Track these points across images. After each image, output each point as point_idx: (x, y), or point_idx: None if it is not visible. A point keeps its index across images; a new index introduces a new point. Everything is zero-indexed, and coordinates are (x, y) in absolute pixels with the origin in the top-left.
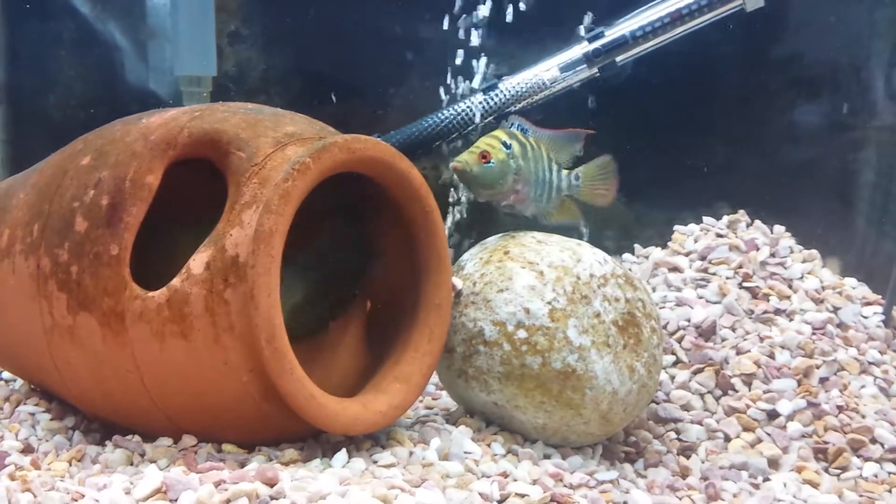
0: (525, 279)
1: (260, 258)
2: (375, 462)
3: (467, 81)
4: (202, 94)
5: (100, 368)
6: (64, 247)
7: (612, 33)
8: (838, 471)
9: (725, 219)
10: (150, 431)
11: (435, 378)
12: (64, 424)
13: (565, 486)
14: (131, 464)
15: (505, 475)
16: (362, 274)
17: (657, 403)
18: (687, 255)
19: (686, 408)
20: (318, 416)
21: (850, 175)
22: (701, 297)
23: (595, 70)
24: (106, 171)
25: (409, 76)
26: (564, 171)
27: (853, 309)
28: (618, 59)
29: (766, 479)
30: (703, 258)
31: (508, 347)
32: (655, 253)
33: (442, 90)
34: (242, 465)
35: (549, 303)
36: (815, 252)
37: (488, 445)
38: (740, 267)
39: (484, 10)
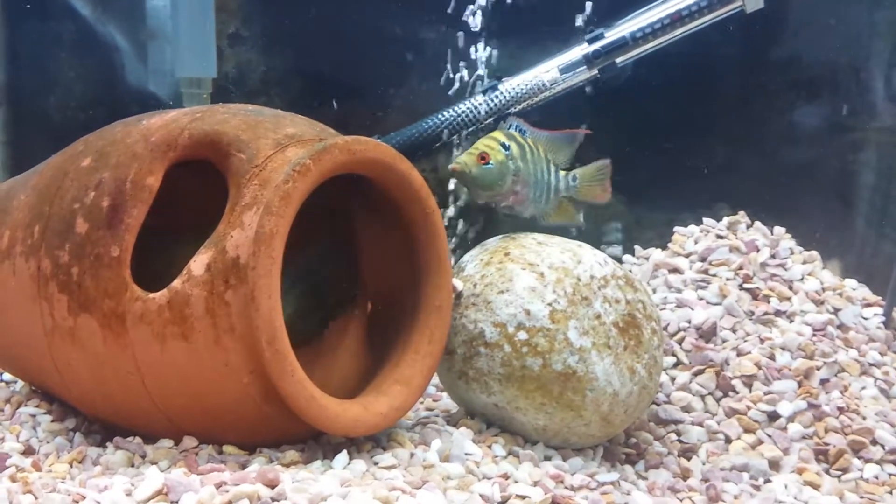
0: (525, 281)
1: (261, 260)
2: (376, 463)
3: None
4: (202, 95)
5: (101, 370)
6: (65, 248)
7: (612, 35)
8: (839, 472)
9: (725, 220)
10: (150, 433)
11: (435, 380)
12: (65, 426)
13: (566, 487)
14: (132, 465)
15: (506, 477)
16: (358, 277)
17: (658, 405)
18: (687, 256)
19: (687, 409)
20: (318, 417)
21: (850, 176)
22: (701, 299)
23: (595, 71)
24: (106, 173)
25: (409, 77)
26: (562, 173)
27: (853, 310)
28: (618, 60)
29: (767, 481)
30: (703, 259)
31: (509, 349)
32: (656, 254)
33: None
34: (243, 467)
35: (549, 304)
36: (815, 253)
37: (489, 447)
38: (740, 268)
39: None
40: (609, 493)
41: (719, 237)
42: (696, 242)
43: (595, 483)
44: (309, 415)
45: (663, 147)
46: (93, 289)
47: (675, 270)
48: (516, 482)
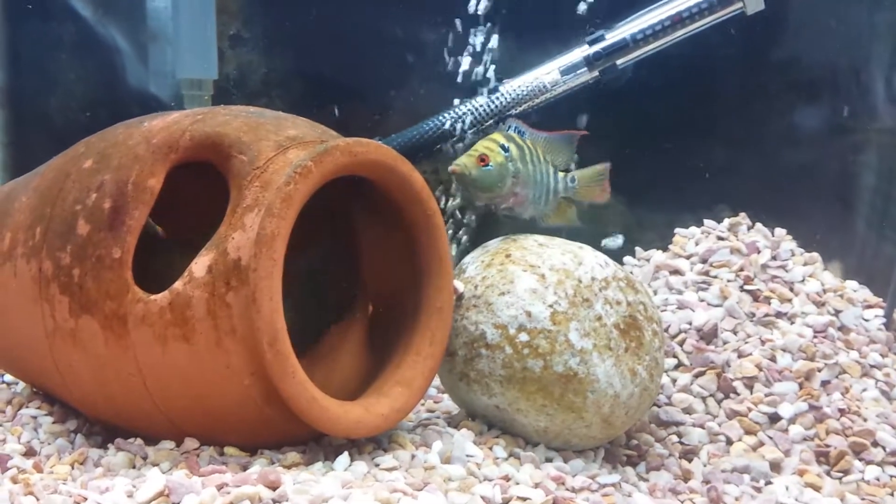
0: (526, 282)
1: (262, 261)
2: (377, 465)
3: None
4: (203, 97)
5: (102, 371)
6: (66, 250)
7: (613, 36)
8: (840, 474)
9: (726, 221)
10: (152, 434)
11: (436, 381)
12: (66, 427)
13: (567, 489)
14: (133, 467)
15: (507, 478)
16: (359, 279)
17: (659, 406)
18: (688, 257)
19: (688, 411)
20: (320, 419)
21: (850, 178)
22: (702, 300)
23: (596, 73)
24: (108, 175)
25: (410, 79)
26: (561, 174)
27: (854, 312)
28: (618, 62)
29: (768, 483)
30: (704, 261)
31: (510, 350)
32: (656, 256)
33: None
34: (244, 469)
35: (550, 306)
36: (816, 255)
37: (490, 449)
38: (741, 270)
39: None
40: (610, 495)
41: (720, 239)
42: (696, 244)
43: (596, 485)
44: (310, 416)
45: (664, 148)
46: (94, 290)
47: (675, 272)
48: (517, 484)
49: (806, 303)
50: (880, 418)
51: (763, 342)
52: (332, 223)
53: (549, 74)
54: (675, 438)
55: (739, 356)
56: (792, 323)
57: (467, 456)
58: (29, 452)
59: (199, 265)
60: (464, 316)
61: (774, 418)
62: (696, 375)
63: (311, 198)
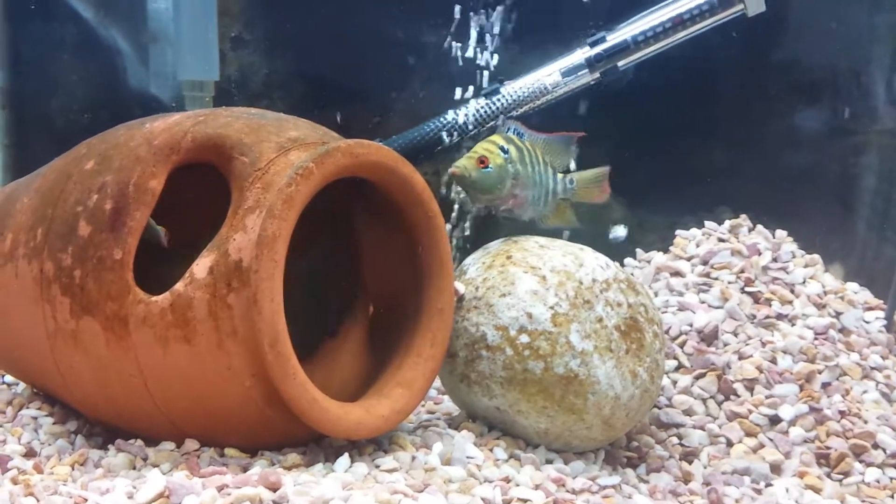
0: (527, 284)
1: (263, 263)
2: (378, 466)
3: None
4: (205, 98)
5: (103, 372)
6: (67, 251)
7: (614, 38)
8: (840, 476)
9: (727, 223)
10: (152, 435)
11: (436, 383)
12: (66, 428)
13: (567, 491)
14: (134, 468)
15: (507, 480)
16: (360, 280)
17: (659, 408)
18: (689, 259)
19: (688, 413)
20: (320, 420)
21: (851, 180)
22: (703, 302)
23: (597, 74)
24: (109, 176)
25: (410, 81)
26: (559, 175)
27: (855, 314)
28: (619, 63)
29: (769, 485)
30: (704, 263)
31: (511, 352)
32: (657, 257)
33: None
34: (245, 470)
35: (551, 307)
36: (817, 257)
37: (490, 450)
38: (742, 272)
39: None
40: (610, 497)
41: (721, 241)
42: (697, 246)
43: (596, 486)
44: (311, 418)
45: (665, 150)
46: (95, 291)
47: (676, 274)
48: (518, 485)
49: (807, 305)
50: (881, 420)
51: (764, 344)
52: (333, 225)
53: (550, 76)
54: (675, 440)
55: (740, 358)
56: (793, 325)
57: (468, 457)
58: (29, 453)
59: (201, 266)
60: (465, 317)
61: (775, 420)
62: (697, 377)
63: (312, 199)
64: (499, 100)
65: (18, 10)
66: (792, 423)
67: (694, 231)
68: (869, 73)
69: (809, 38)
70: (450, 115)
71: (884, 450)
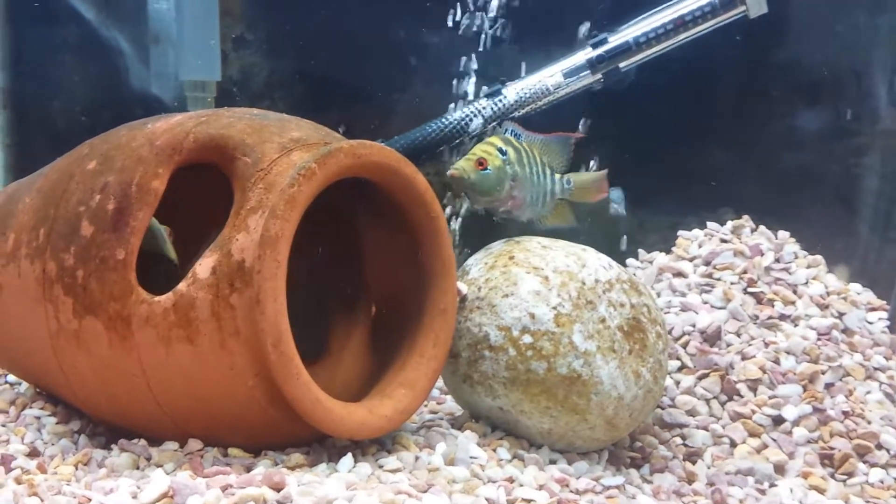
0: (530, 284)
1: (266, 263)
2: (381, 467)
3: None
4: (207, 98)
5: (106, 372)
6: (70, 251)
7: (616, 39)
8: (844, 476)
9: (730, 224)
10: (155, 435)
11: (439, 383)
12: (69, 428)
13: (571, 491)
14: (137, 468)
15: (511, 480)
16: (362, 281)
17: (663, 409)
18: (691, 260)
19: (691, 413)
20: (324, 420)
21: (853, 180)
22: (706, 303)
23: (599, 76)
24: (112, 176)
25: (413, 81)
26: (557, 175)
27: (858, 314)
28: (621, 64)
29: (773, 485)
30: (707, 263)
31: (514, 352)
32: (660, 258)
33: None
34: (248, 470)
35: (554, 308)
36: (819, 258)
37: (494, 450)
38: (745, 272)
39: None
40: (614, 497)
41: (723, 241)
42: (700, 246)
43: (600, 487)
44: (314, 418)
45: (667, 151)
46: (98, 291)
47: (679, 274)
48: (521, 486)
49: (809, 305)
50: (884, 421)
51: (767, 344)
52: (335, 225)
53: (552, 77)
54: (678, 440)
55: (743, 358)
56: (795, 325)
57: (471, 458)
58: (33, 453)
59: (203, 267)
60: (467, 318)
61: (778, 420)
62: (700, 378)
63: (314, 200)
64: (501, 100)
65: (20, 11)
66: (795, 423)
67: (696, 232)
68: (871, 73)
69: (812, 39)
70: (452, 115)
71: (887, 450)
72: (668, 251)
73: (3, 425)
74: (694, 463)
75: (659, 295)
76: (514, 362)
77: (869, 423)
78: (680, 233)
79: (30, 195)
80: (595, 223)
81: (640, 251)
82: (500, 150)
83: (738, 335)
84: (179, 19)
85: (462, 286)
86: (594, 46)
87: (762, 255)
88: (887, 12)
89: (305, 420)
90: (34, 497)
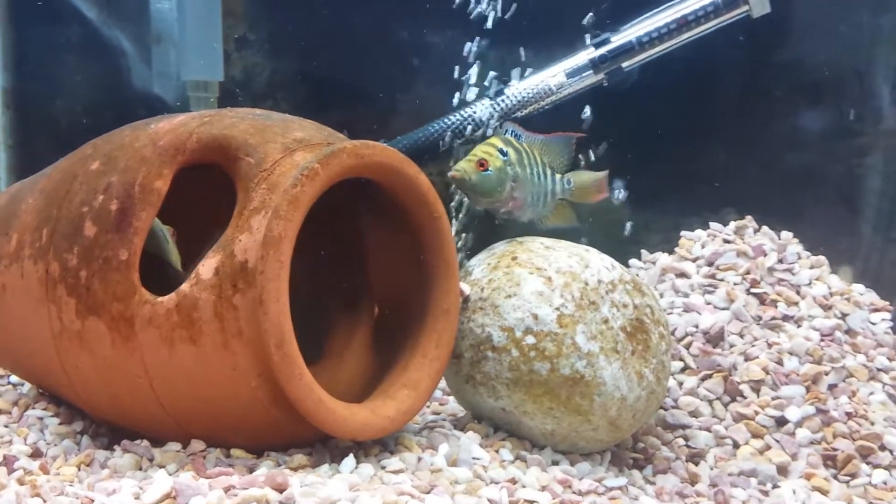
0: (533, 285)
1: (269, 264)
2: (384, 468)
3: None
4: (209, 99)
5: (108, 373)
6: (73, 251)
7: (619, 39)
8: (847, 478)
9: (732, 224)
10: (158, 436)
11: (441, 383)
12: (72, 429)
13: (574, 492)
14: (140, 468)
15: (513, 481)
16: (365, 281)
17: (665, 410)
18: (694, 260)
19: (694, 414)
20: (326, 421)
21: (856, 180)
22: (709, 303)
23: (602, 76)
24: (115, 177)
25: (415, 81)
26: (557, 175)
27: (861, 315)
28: (624, 64)
29: (776, 486)
30: (710, 264)
31: (517, 353)
32: (663, 259)
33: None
34: (251, 471)
35: (557, 308)
36: (822, 258)
37: (496, 451)
38: (748, 273)
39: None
40: (617, 499)
41: (726, 242)
42: (703, 247)
43: (603, 488)
44: (317, 418)
45: (670, 151)
46: (101, 292)
47: (682, 275)
48: (524, 487)
49: (813, 306)
50: (888, 422)
51: (770, 345)
52: (338, 225)
53: (554, 77)
54: (681, 442)
55: (746, 359)
56: (799, 326)
57: (474, 458)
58: (35, 454)
59: (206, 267)
60: (470, 318)
61: (781, 422)
62: (703, 378)
63: (317, 200)
64: (503, 100)
65: (22, 11)
66: (798, 424)
67: (699, 232)
68: (874, 73)
69: (814, 38)
70: (454, 115)
71: (891, 451)
72: (670, 252)
73: (6, 426)
74: (697, 464)
75: (662, 296)
76: (517, 363)
77: (872, 424)
78: (683, 233)
79: (33, 195)
80: (597, 223)
81: (643, 252)
82: (501, 151)
83: (742, 336)
84: (182, 19)
85: (465, 287)
86: (597, 46)
87: (765, 255)
88: (890, 12)
89: (308, 421)
90: (37, 498)
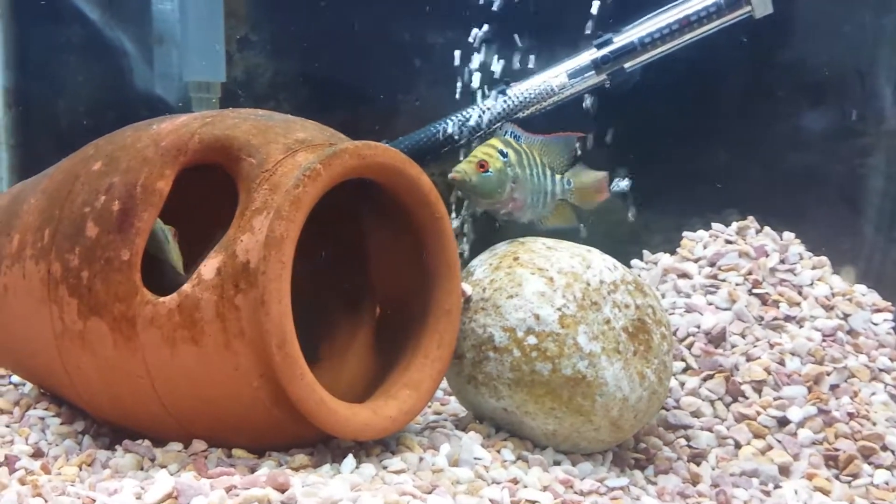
0: (535, 285)
1: (271, 264)
2: (386, 468)
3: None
4: (211, 99)
5: (110, 373)
6: (75, 252)
7: (621, 40)
8: (849, 478)
9: (735, 225)
10: (159, 436)
11: (442, 384)
12: (74, 429)
13: (575, 492)
14: (141, 468)
15: (515, 481)
16: (367, 281)
17: (667, 410)
18: (696, 261)
19: (696, 414)
20: (328, 421)
21: (858, 181)
22: (710, 304)
23: (604, 76)
24: (117, 177)
25: (416, 82)
26: (557, 176)
27: (863, 316)
28: (626, 65)
29: (777, 487)
30: (712, 264)
31: (518, 353)
32: (664, 259)
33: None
34: (253, 471)
35: (559, 309)
36: (824, 259)
37: (498, 451)
38: (750, 273)
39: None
40: (619, 499)
41: (728, 242)
42: (705, 247)
43: (604, 488)
44: (318, 418)
45: (672, 151)
46: (103, 292)
47: (684, 275)
48: (525, 487)
49: (814, 306)
50: (889, 422)
51: (772, 346)
52: (340, 226)
53: (556, 77)
54: (683, 442)
55: (748, 360)
56: (800, 327)
57: (475, 459)
58: (37, 454)
59: (208, 267)
60: (472, 319)
61: (783, 422)
62: (705, 379)
63: (319, 200)
64: (505, 101)
65: (25, 11)
66: (800, 424)
67: (701, 233)
68: (876, 74)
69: (817, 39)
70: (456, 116)
71: (892, 452)
72: (672, 252)
73: (7, 426)
74: (698, 464)
75: (664, 296)
76: (519, 363)
77: (874, 424)
78: (685, 234)
79: (35, 196)
80: (598, 223)
81: (645, 252)
82: (501, 152)
83: (743, 336)
84: (184, 20)
85: (467, 287)
86: (599, 47)
87: (767, 256)
88: (892, 12)
89: (310, 421)
90: (38, 498)
